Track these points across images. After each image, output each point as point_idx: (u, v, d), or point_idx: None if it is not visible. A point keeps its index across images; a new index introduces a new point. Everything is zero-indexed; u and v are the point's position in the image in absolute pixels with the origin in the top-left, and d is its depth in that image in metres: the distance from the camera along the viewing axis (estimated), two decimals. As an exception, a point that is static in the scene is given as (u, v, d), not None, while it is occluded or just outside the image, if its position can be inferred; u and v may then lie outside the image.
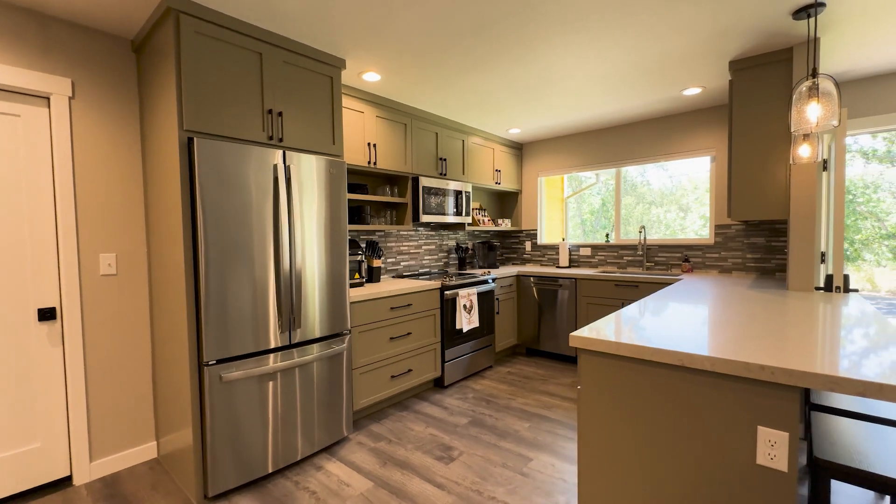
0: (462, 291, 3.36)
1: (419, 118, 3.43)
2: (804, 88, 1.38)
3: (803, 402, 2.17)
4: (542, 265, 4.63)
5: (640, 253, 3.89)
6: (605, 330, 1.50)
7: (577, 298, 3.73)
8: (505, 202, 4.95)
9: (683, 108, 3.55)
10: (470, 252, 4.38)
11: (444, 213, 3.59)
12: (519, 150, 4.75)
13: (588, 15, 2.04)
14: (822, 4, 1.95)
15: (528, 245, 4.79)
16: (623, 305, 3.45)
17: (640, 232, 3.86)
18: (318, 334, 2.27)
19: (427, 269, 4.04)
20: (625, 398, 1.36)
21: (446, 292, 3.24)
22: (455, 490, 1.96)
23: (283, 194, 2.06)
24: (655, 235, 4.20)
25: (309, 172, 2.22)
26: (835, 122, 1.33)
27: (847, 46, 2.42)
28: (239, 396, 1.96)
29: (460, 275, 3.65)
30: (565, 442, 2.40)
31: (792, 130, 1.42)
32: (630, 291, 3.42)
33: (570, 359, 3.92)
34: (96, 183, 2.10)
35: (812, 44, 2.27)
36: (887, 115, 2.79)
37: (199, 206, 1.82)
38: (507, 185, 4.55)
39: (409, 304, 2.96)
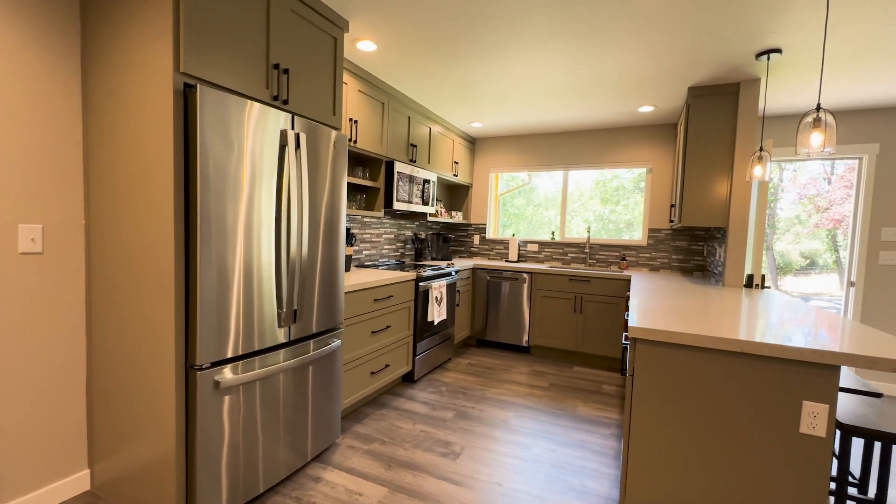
0: (435, 283, 3.29)
1: (396, 99, 3.23)
2: (810, 119, 1.66)
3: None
4: (489, 259, 4.76)
5: (587, 251, 4.25)
6: (655, 321, 1.61)
7: (532, 291, 3.93)
8: (455, 195, 4.96)
9: (632, 122, 3.97)
10: (426, 243, 4.30)
11: (411, 202, 3.45)
12: (472, 143, 4.80)
13: (572, 28, 2.14)
14: (779, 50, 2.36)
15: (476, 238, 4.88)
16: (576, 299, 3.75)
17: (587, 232, 4.23)
18: (314, 329, 2.00)
19: (387, 260, 3.85)
20: (679, 382, 1.49)
21: (421, 284, 3.13)
22: (474, 485, 1.92)
23: (292, 167, 1.75)
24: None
25: (315, 144, 1.93)
26: (830, 150, 1.64)
27: (784, 87, 2.97)
28: (233, 405, 1.63)
29: (419, 266, 3.56)
30: (554, 428, 2.52)
31: (797, 153, 1.70)
32: (582, 285, 3.73)
33: (520, 348, 4.11)
34: (13, 131, 1.52)
35: (766, 80, 2.74)
36: (845, 146, 3.51)
37: (198, 174, 1.45)
38: (463, 177, 4.57)
39: (390, 296, 2.78)
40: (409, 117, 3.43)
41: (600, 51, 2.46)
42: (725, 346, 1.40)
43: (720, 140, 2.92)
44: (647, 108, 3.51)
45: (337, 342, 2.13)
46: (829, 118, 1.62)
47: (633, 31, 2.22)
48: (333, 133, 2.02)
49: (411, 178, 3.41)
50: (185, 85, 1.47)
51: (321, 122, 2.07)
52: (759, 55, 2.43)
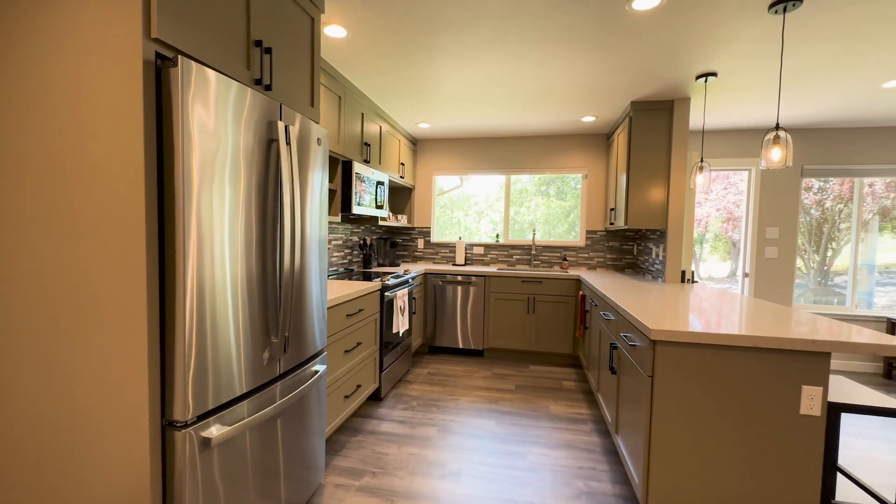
0: (399, 292, 3.09)
1: (352, 94, 2.96)
2: (771, 136, 1.90)
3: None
4: (435, 263, 4.67)
5: (533, 252, 4.41)
6: (666, 322, 1.68)
7: (486, 295, 3.95)
8: (398, 197, 4.76)
9: (573, 130, 4.21)
10: (373, 249, 4.04)
11: (367, 205, 3.21)
12: (415, 144, 4.66)
13: (536, 44, 2.21)
14: (715, 74, 2.70)
15: (421, 242, 4.74)
16: (529, 300, 3.86)
17: (533, 234, 4.38)
18: (303, 357, 1.71)
19: (335, 269, 3.53)
20: (696, 379, 1.58)
21: (386, 294, 2.92)
22: (488, 506, 1.82)
23: (283, 167, 1.46)
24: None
25: (302, 140, 1.65)
26: (786, 163, 1.90)
27: (712, 106, 3.39)
28: (225, 465, 1.29)
29: (370, 274, 3.34)
30: (538, 431, 2.53)
31: (761, 167, 1.93)
32: (535, 286, 3.85)
33: (475, 352, 4.10)
34: None
35: (704, 99, 3.11)
36: (726, 159, 4.05)
37: (180, 173, 1.12)
38: (408, 179, 4.40)
39: (360, 310, 2.53)
40: (362, 114, 3.18)
41: (551, 65, 2.54)
42: (738, 342, 1.52)
43: (658, 151, 3.25)
44: (589, 119, 3.75)
45: (322, 368, 1.85)
46: (788, 136, 1.87)
47: (588, 51, 2.33)
48: (316, 127, 1.75)
49: (366, 180, 3.16)
50: (158, 56, 1.12)
51: (302, 115, 1.77)
52: (698, 77, 2.74)
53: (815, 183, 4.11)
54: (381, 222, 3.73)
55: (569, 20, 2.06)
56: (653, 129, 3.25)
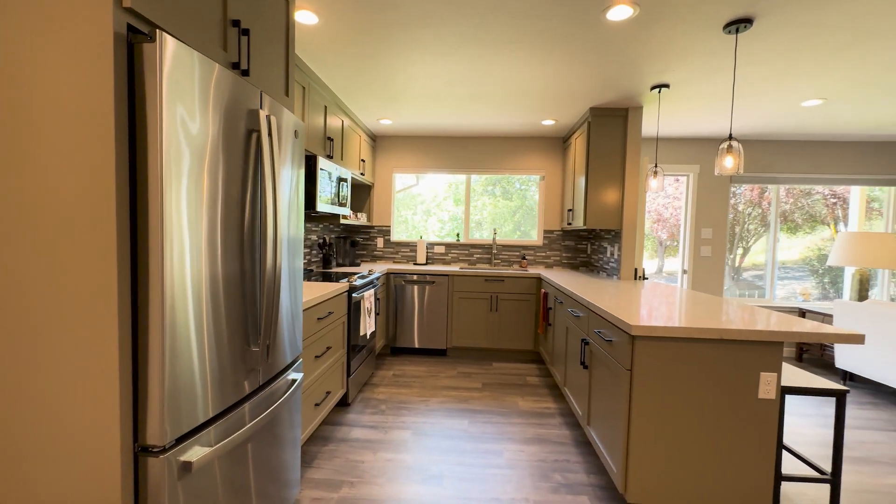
0: (366, 293, 2.99)
1: (315, 85, 2.81)
2: (725, 146, 2.08)
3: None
4: (395, 262, 4.58)
5: (494, 251, 4.47)
6: (648, 317, 1.78)
7: (450, 294, 3.95)
8: (357, 195, 4.61)
9: (532, 133, 4.33)
10: (333, 248, 3.88)
11: (328, 202, 3.06)
12: (374, 141, 4.53)
13: (510, 46, 2.27)
14: (668, 85, 2.90)
15: (380, 241, 4.63)
16: (492, 298, 3.91)
17: (493, 233, 4.45)
18: (282, 365, 1.59)
19: (295, 269, 3.33)
20: (672, 369, 1.69)
21: (353, 295, 2.81)
22: (474, 507, 1.82)
23: (265, 159, 1.34)
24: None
25: (283, 130, 1.53)
26: (738, 171, 2.08)
27: (665, 114, 3.63)
28: (201, 490, 1.16)
29: (331, 274, 3.22)
30: (510, 427, 2.57)
31: (716, 174, 2.11)
32: (498, 285, 3.91)
33: (438, 352, 4.08)
34: None
35: (659, 108, 3.31)
36: (668, 165, 4.34)
37: (160, 163, 0.98)
38: (368, 176, 4.27)
39: (330, 313, 2.41)
40: (325, 107, 3.03)
41: (521, 67, 2.60)
42: (708, 335, 1.65)
43: (614, 155, 3.44)
44: (549, 122, 3.88)
45: (300, 376, 1.73)
46: (739, 146, 2.06)
47: (558, 56, 2.41)
48: (293, 119, 1.63)
49: (329, 176, 3.02)
50: (130, 30, 0.97)
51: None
52: (653, 87, 2.93)
53: (731, 188, 4.58)
54: (342, 221, 3.58)
55: (545, 25, 2.11)
56: (609, 134, 3.43)
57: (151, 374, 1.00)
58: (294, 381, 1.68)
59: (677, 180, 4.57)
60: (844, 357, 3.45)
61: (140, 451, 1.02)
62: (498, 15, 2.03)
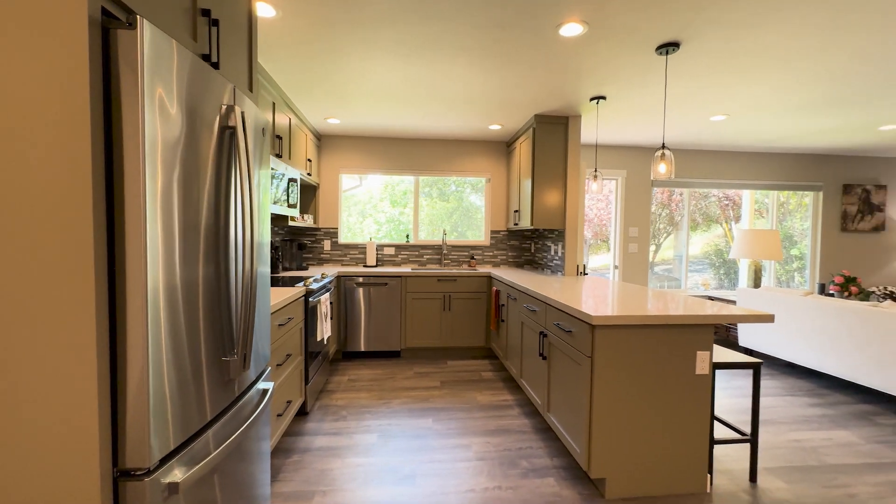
0: (322, 297, 2.90)
1: (265, 79, 2.67)
2: (658, 153, 2.35)
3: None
4: (344, 265, 4.47)
5: (445, 251, 4.54)
6: (602, 309, 1.95)
7: (404, 295, 3.95)
8: (302, 196, 4.42)
9: (479, 136, 4.47)
10: (279, 251, 3.69)
11: (277, 203, 2.93)
12: (319, 140, 4.39)
13: (470, 52, 2.41)
14: (605, 97, 3.19)
15: (327, 244, 4.49)
16: (444, 298, 3.98)
17: (444, 234, 4.52)
18: (256, 373, 1.51)
19: (240, 274, 3.12)
20: (626, 354, 1.87)
21: (310, 299, 2.71)
22: (452, 500, 1.86)
23: (240, 157, 1.27)
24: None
25: (255, 127, 1.45)
26: (670, 176, 2.36)
27: (600, 124, 3.93)
28: (185, 512, 1.08)
29: (273, 278, 3.09)
30: (473, 422, 2.66)
31: (652, 179, 2.37)
32: (450, 285, 4.00)
33: (391, 354, 4.06)
34: None
35: (597, 117, 3.59)
36: (607, 170, 4.69)
37: (137, 162, 0.90)
38: (314, 177, 4.13)
39: (290, 318, 2.31)
40: (273, 104, 2.89)
41: (477, 73, 2.72)
42: (657, 321, 1.86)
43: (557, 160, 3.69)
44: (495, 127, 4.05)
45: (271, 386, 1.65)
46: (671, 154, 2.33)
47: (512, 65, 2.56)
48: (261, 116, 1.56)
49: (278, 176, 2.89)
50: (104, 14, 0.88)
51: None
52: (591, 98, 3.20)
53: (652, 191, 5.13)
54: (289, 223, 3.43)
55: (504, 35, 2.22)
56: (552, 140, 3.67)
57: (133, 389, 0.92)
58: (266, 390, 1.60)
59: (605, 184, 5.00)
60: (746, 336, 4.03)
61: (120, 477, 0.93)
62: (462, 22, 2.10)
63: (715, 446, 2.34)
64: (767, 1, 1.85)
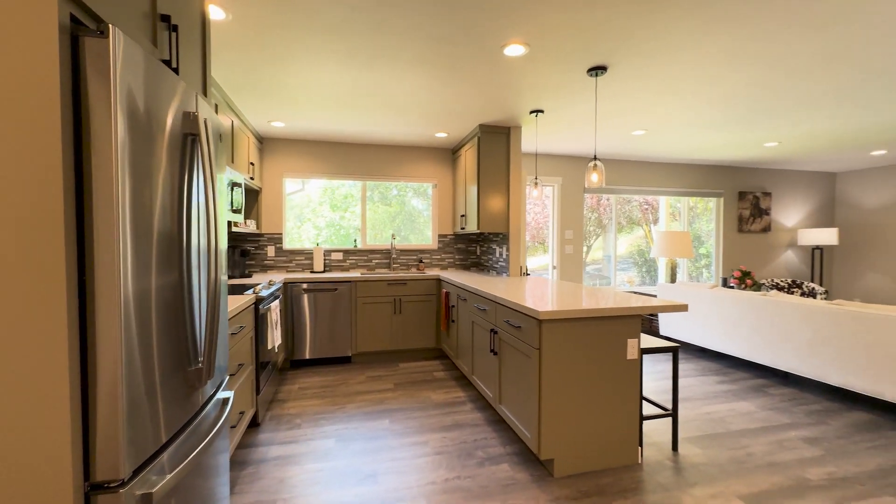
0: (272, 305, 2.84)
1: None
2: (591, 164, 2.62)
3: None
4: (289, 271, 4.35)
5: (394, 255, 4.59)
6: (545, 305, 2.15)
7: (354, 300, 3.94)
8: (244, 201, 4.23)
9: (426, 143, 4.59)
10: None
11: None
12: (261, 143, 4.25)
13: (423, 65, 2.56)
14: (542, 111, 3.46)
15: (271, 250, 4.34)
16: (395, 301, 4.04)
17: (392, 238, 4.57)
18: (216, 384, 1.49)
19: (180, 283, 2.95)
20: (568, 344, 2.08)
21: (260, 307, 2.65)
22: (415, 494, 1.95)
23: (203, 164, 1.27)
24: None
25: (215, 133, 1.44)
26: (602, 184, 2.64)
27: (539, 135, 4.21)
28: (155, 523, 1.06)
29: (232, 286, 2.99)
30: (429, 420, 2.75)
31: (585, 188, 2.64)
32: (400, 288, 4.06)
33: (342, 360, 4.03)
34: None
35: (536, 128, 3.85)
36: (544, 177, 4.97)
37: (115, 163, 0.90)
38: (257, 181, 3.99)
39: (241, 327, 2.26)
40: (216, 105, 2.78)
41: (427, 84, 2.86)
42: (594, 314, 2.09)
43: (500, 167, 3.91)
44: (442, 134, 4.19)
45: (230, 395, 1.63)
46: (602, 165, 2.62)
47: (461, 78, 2.73)
48: (218, 121, 1.55)
49: (223, 180, 2.78)
50: (74, 21, 0.87)
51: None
52: (531, 111, 3.46)
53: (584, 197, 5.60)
54: (232, 228, 3.30)
55: (455, 50, 2.36)
56: (496, 148, 3.89)
57: (106, 397, 0.91)
58: (226, 400, 1.58)
59: (543, 190, 5.36)
60: (666, 326, 4.54)
61: (91, 490, 0.91)
62: (414, 37, 2.20)
63: (644, 422, 2.65)
64: (676, 35, 2.17)
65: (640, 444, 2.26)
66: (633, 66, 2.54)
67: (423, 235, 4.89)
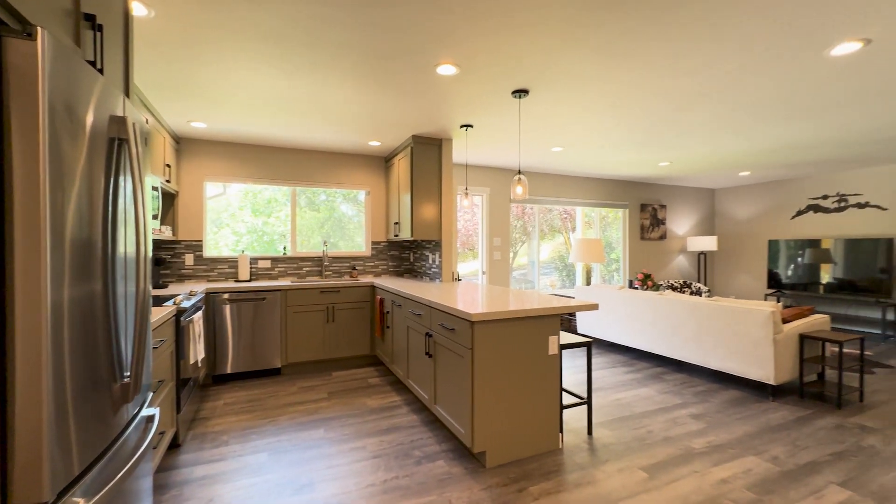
0: (195, 317, 2.67)
1: (120, 76, 2.39)
2: (516, 178, 2.86)
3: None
4: (211, 280, 4.09)
5: (326, 263, 4.51)
6: (476, 308, 2.31)
7: (284, 309, 3.82)
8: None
9: (359, 151, 4.59)
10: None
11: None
12: (178, 143, 3.96)
13: (364, 78, 2.67)
14: (471, 126, 3.68)
15: (189, 258, 4.04)
16: (328, 309, 3.98)
17: (324, 245, 4.50)
18: (141, 401, 1.41)
19: (82, 296, 2.66)
20: (497, 343, 2.27)
21: (182, 319, 2.49)
22: (353, 499, 1.98)
23: (135, 169, 1.23)
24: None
25: (140, 135, 1.38)
26: (526, 196, 2.89)
27: (469, 147, 4.41)
28: (80, 549, 1.01)
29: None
30: (365, 425, 2.77)
31: (511, 199, 2.88)
32: (333, 296, 4.02)
33: (271, 372, 3.87)
34: None
35: (466, 142, 4.04)
36: (474, 187, 5.17)
37: (44, 169, 0.87)
38: (173, 184, 3.71)
39: (162, 340, 2.12)
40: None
41: (365, 95, 2.94)
42: (519, 314, 2.29)
43: (433, 177, 4.06)
44: (375, 143, 4.25)
45: (155, 411, 1.55)
46: (525, 178, 2.87)
47: (398, 92, 2.85)
48: (144, 124, 1.49)
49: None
50: (-4, 17, 0.83)
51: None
52: (461, 126, 3.66)
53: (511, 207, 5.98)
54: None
55: (389, 66, 2.46)
56: (429, 159, 4.04)
57: (28, 415, 0.86)
58: (151, 417, 1.50)
59: (473, 199, 5.63)
60: (583, 324, 5.00)
61: (10, 517, 0.85)
62: (351, 50, 2.26)
63: (564, 411, 2.93)
64: (587, 68, 2.49)
65: (561, 431, 2.50)
66: (551, 91, 2.84)
67: (354, 242, 4.88)
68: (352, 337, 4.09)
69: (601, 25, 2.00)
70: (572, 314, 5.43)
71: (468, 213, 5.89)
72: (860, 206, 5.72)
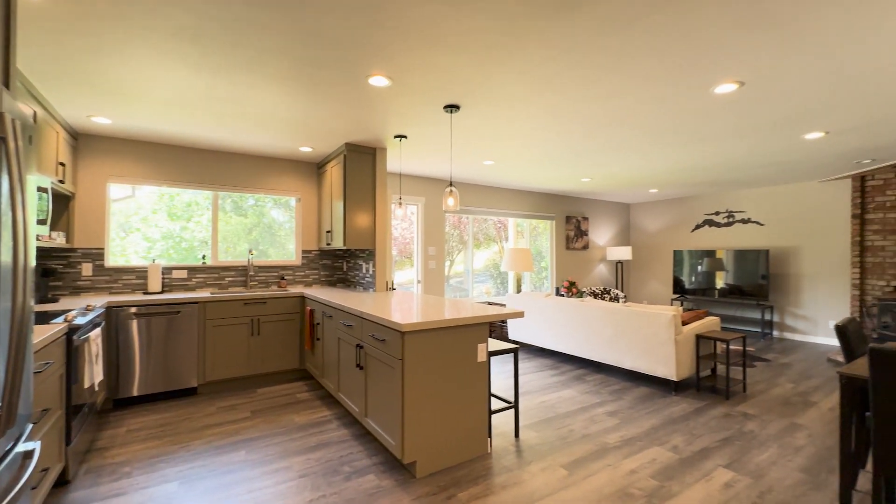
0: (92, 335, 2.39)
1: (1, 61, 2.09)
2: (447, 190, 2.94)
3: (397, 353, 3.77)
4: (113, 293, 3.67)
5: (251, 272, 4.24)
6: (409, 318, 2.32)
7: (203, 323, 3.53)
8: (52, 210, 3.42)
9: (289, 156, 4.41)
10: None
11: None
12: (76, 139, 3.53)
13: (296, 81, 2.63)
14: (406, 136, 3.72)
15: (87, 268, 3.60)
16: (253, 322, 3.76)
17: (250, 254, 4.24)
18: (18, 433, 1.23)
19: (-57, 314, 2.26)
20: (428, 352, 2.30)
21: (75, 337, 2.22)
22: (274, 522, 1.88)
23: (14, 172, 1.09)
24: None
25: (22, 132, 1.23)
26: (457, 208, 2.98)
27: (403, 157, 4.42)
28: None
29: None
30: (292, 444, 2.65)
31: (444, 210, 2.95)
32: (259, 308, 3.80)
33: (185, 392, 3.54)
34: None
35: (401, 152, 4.04)
36: (409, 196, 5.15)
37: None
38: (68, 185, 3.29)
39: (48, 363, 1.87)
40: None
41: (295, 100, 2.87)
42: (449, 323, 2.35)
43: (366, 185, 4.03)
44: (306, 149, 4.12)
45: (36, 447, 1.36)
46: (456, 190, 2.96)
47: (330, 100, 2.82)
48: (25, 118, 1.33)
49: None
50: None
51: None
52: (395, 136, 3.69)
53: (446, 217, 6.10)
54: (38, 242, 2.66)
55: (321, 73, 2.42)
56: (362, 167, 4.00)
57: None
58: (30, 452, 1.32)
59: (408, 208, 5.66)
60: (514, 331, 5.21)
61: None
62: (280, 54, 2.19)
63: (493, 416, 3.03)
64: (512, 90, 2.64)
65: (490, 436, 2.58)
66: (480, 108, 2.97)
67: (286, 250, 4.66)
68: (279, 351, 3.89)
69: (523, 50, 2.15)
70: (504, 321, 5.64)
71: (406, 221, 5.90)
72: (744, 221, 6.62)
